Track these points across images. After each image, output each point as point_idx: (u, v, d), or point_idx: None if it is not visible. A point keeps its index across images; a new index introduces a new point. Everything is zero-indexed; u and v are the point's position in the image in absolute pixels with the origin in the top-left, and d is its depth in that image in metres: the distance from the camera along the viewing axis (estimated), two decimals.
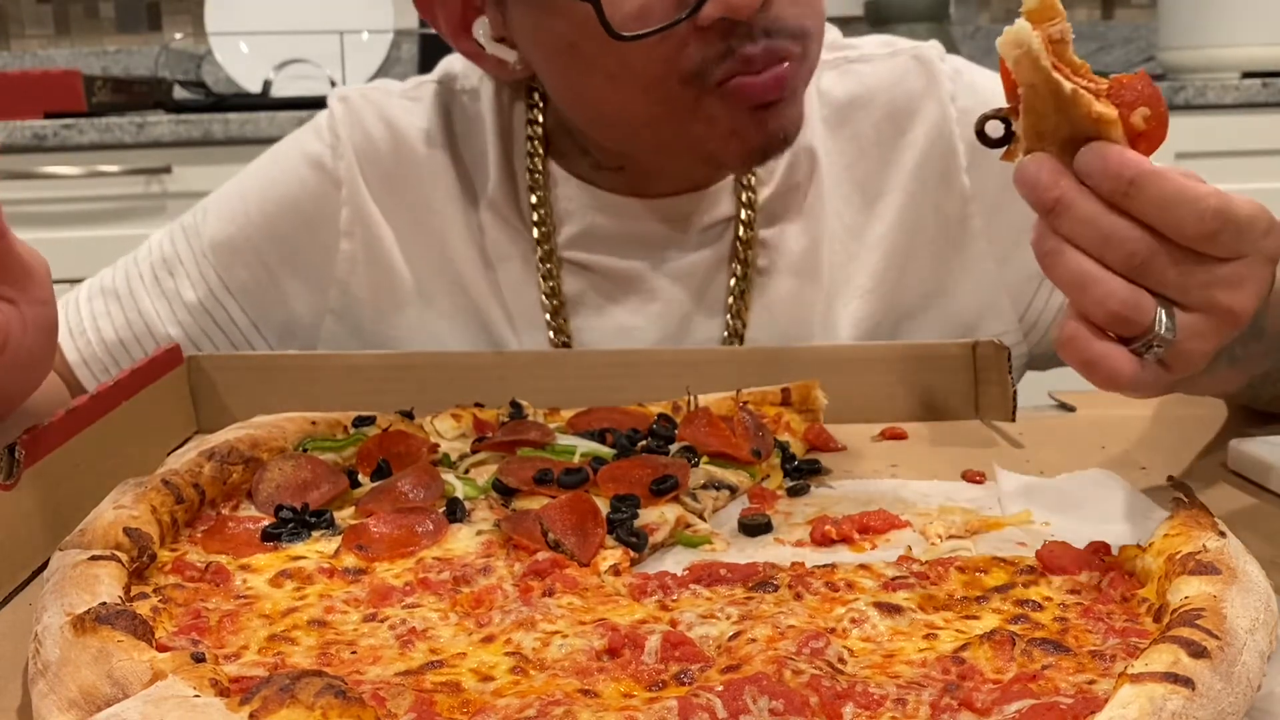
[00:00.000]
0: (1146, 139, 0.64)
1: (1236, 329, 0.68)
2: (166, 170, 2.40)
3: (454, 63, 1.16)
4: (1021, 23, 0.62)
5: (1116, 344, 0.66)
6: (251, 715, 0.47)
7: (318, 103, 1.17)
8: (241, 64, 2.85)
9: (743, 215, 1.10)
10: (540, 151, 1.10)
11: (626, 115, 0.99)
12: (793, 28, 0.94)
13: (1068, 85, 0.62)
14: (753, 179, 1.10)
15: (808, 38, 0.96)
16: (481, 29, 1.03)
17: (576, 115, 1.06)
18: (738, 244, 1.10)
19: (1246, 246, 0.65)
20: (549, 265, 1.10)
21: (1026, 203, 0.65)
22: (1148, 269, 0.64)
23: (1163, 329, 0.65)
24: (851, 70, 1.15)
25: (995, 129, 0.67)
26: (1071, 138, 0.63)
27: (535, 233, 1.10)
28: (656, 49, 0.91)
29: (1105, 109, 0.63)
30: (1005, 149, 0.67)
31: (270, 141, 1.20)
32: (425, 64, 2.73)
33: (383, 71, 2.91)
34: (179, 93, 2.88)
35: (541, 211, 1.10)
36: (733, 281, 1.11)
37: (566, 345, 1.10)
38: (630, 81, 0.94)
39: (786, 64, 0.94)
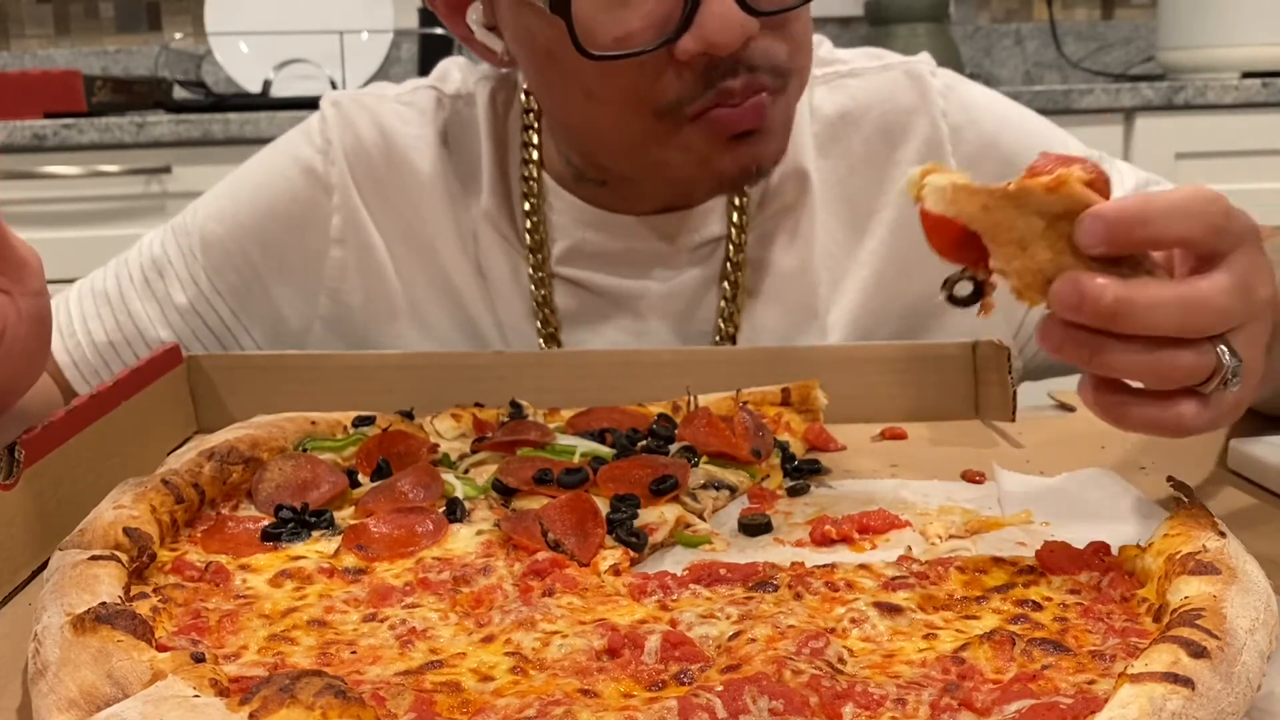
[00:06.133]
0: (1097, 189, 0.63)
1: (1276, 315, 0.67)
2: (166, 170, 2.40)
3: (450, 67, 1.16)
4: (924, 169, 0.63)
5: (1175, 398, 0.64)
6: (251, 715, 0.47)
7: (317, 103, 1.17)
8: (241, 64, 2.85)
9: (733, 235, 1.10)
10: (535, 159, 1.10)
11: (599, 132, 0.99)
12: (775, 64, 0.94)
13: (1010, 185, 0.62)
14: (745, 199, 1.10)
15: (789, 75, 0.95)
16: (475, 14, 1.02)
17: (553, 121, 1.06)
18: (727, 264, 1.10)
19: (1243, 231, 0.65)
20: (541, 276, 1.10)
21: (1077, 320, 0.62)
22: (1221, 316, 0.63)
23: (1228, 360, 0.64)
24: (842, 85, 1.14)
25: (964, 287, 0.66)
26: (1051, 228, 0.62)
27: (528, 240, 1.10)
28: (633, 75, 0.91)
29: (1052, 179, 0.62)
30: (980, 303, 0.66)
31: (270, 142, 1.19)
32: (425, 64, 2.73)
33: (382, 71, 2.91)
34: (179, 93, 2.88)
35: (534, 220, 1.10)
36: (722, 302, 1.10)
37: None
38: (606, 101, 0.94)
39: (765, 95, 0.93)
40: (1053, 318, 0.63)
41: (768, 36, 0.92)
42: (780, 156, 1.00)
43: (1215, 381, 0.64)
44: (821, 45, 1.18)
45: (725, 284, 1.10)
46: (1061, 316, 0.62)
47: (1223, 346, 0.64)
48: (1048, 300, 0.62)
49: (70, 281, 1.19)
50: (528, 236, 1.10)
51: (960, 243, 0.64)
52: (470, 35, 1.04)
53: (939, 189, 0.63)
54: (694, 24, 0.88)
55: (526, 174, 1.10)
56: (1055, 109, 2.42)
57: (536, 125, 1.10)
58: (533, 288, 1.10)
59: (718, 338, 1.11)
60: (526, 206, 1.09)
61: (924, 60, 1.16)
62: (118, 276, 1.15)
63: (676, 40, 0.89)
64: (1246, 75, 2.55)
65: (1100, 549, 0.65)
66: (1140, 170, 1.20)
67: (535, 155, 1.10)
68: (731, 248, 1.10)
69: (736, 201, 1.10)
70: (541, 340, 1.11)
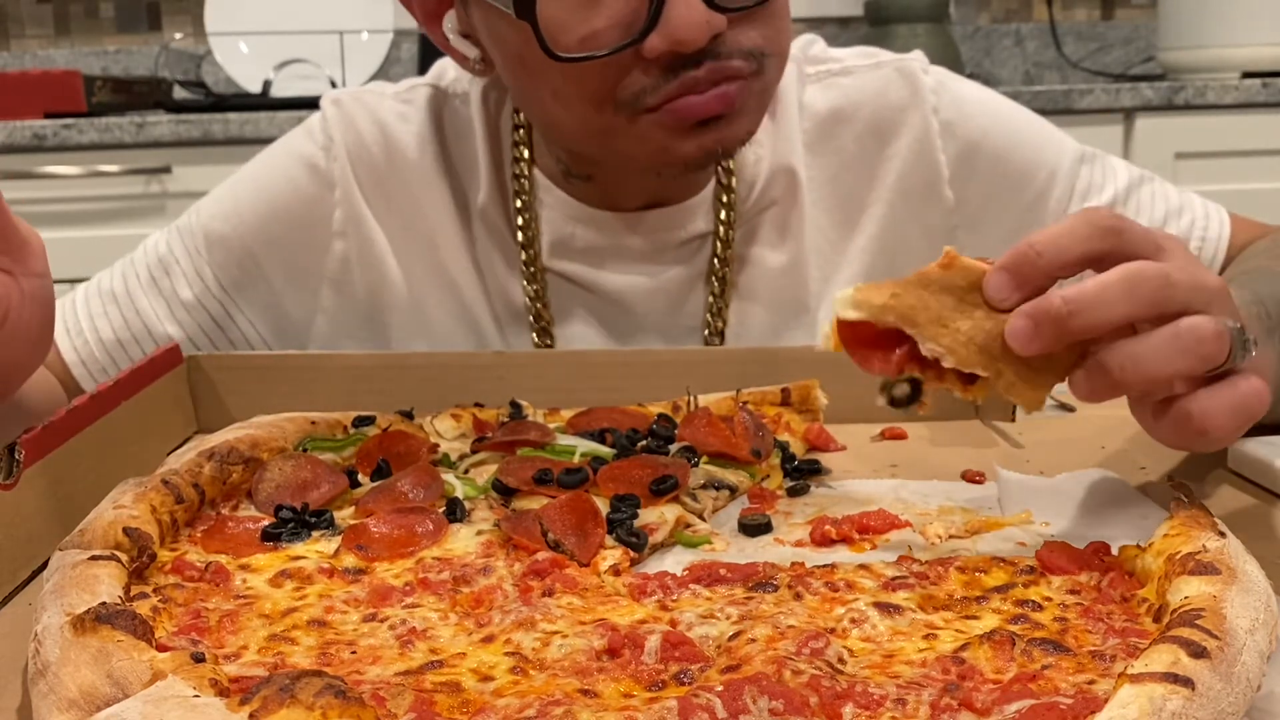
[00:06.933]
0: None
1: (1229, 296, 0.69)
2: (166, 170, 2.40)
3: (446, 65, 1.17)
4: (838, 295, 0.65)
5: (1224, 383, 0.66)
6: (251, 715, 0.47)
7: (317, 103, 1.18)
8: (241, 64, 2.85)
9: (720, 232, 1.10)
10: (525, 157, 1.11)
11: (565, 129, 1.00)
12: (747, 50, 0.94)
13: (909, 276, 0.65)
14: (732, 196, 1.10)
15: (764, 57, 0.95)
16: (450, 22, 1.04)
17: (530, 118, 1.07)
18: (715, 260, 1.11)
19: (1154, 232, 0.67)
20: (533, 271, 1.11)
21: (1045, 348, 0.63)
22: (1171, 284, 0.64)
23: (1234, 324, 0.65)
24: (834, 83, 1.15)
25: (902, 389, 0.68)
26: (962, 301, 0.65)
27: (520, 237, 1.11)
28: (600, 73, 0.92)
29: (943, 257, 0.65)
30: (919, 403, 0.68)
31: (270, 142, 1.20)
32: (425, 64, 2.71)
33: (382, 71, 2.91)
34: (179, 93, 2.88)
35: (526, 217, 1.11)
36: (710, 298, 1.11)
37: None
38: (570, 100, 0.95)
39: (736, 83, 0.93)
40: (1075, 372, 0.64)
41: (737, 28, 0.93)
42: (749, 135, 1.00)
43: (1234, 352, 0.64)
44: (815, 44, 1.18)
45: (713, 280, 1.11)
46: (1027, 352, 0.64)
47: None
48: (1009, 338, 0.63)
49: (71, 282, 1.20)
50: (520, 233, 1.11)
51: (884, 345, 0.66)
52: (447, 42, 1.05)
53: (845, 297, 0.65)
54: (660, 22, 0.89)
55: (517, 171, 1.11)
56: (1055, 109, 2.42)
57: (526, 124, 1.11)
58: (525, 283, 1.11)
59: (706, 332, 1.12)
60: (519, 204, 1.10)
61: (916, 58, 1.16)
62: (124, 276, 1.17)
63: (643, 40, 0.89)
64: (1246, 75, 2.55)
65: (1100, 549, 0.65)
66: (1134, 167, 1.20)
67: (526, 153, 1.11)
68: (719, 244, 1.11)
69: (724, 199, 1.10)
70: (534, 334, 1.12)
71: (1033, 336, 0.63)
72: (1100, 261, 0.65)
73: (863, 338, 0.66)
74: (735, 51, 0.93)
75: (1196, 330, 0.63)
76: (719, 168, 1.10)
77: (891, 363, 0.66)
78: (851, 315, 0.65)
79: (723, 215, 1.10)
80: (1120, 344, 0.64)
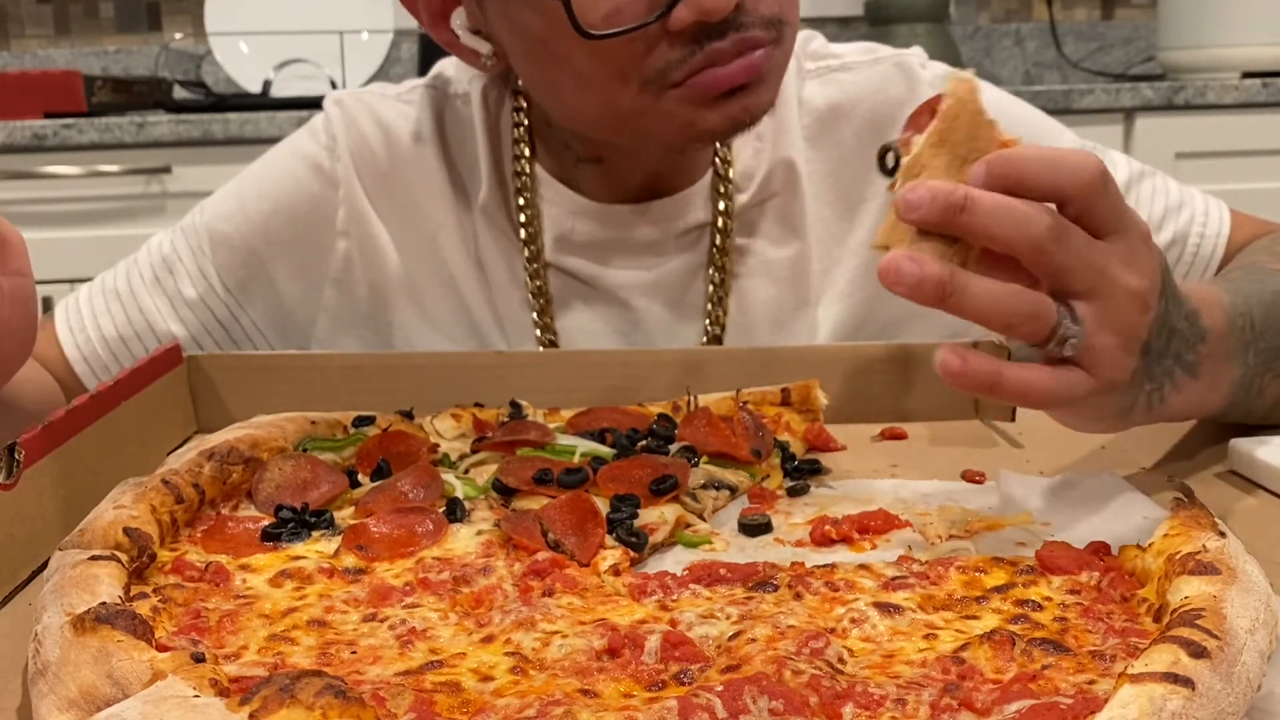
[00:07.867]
0: None
1: (1143, 313, 0.68)
2: (166, 170, 2.40)
3: (447, 66, 1.17)
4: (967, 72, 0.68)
5: (1028, 363, 0.68)
6: (251, 715, 0.47)
7: (317, 103, 1.18)
8: (241, 64, 2.85)
9: (719, 223, 1.11)
10: (526, 154, 1.11)
11: (590, 113, 0.99)
12: (767, 17, 0.94)
13: (990, 116, 0.67)
14: (730, 187, 1.11)
15: (783, 24, 0.96)
16: (459, 19, 1.04)
17: (547, 107, 1.07)
18: (715, 251, 1.11)
19: (1125, 219, 0.67)
20: (535, 267, 1.11)
21: (924, 221, 0.65)
22: (1061, 244, 0.65)
23: (1066, 321, 0.66)
24: (834, 79, 1.15)
25: (894, 157, 0.69)
26: (965, 157, 0.66)
27: (523, 233, 1.11)
28: (626, 50, 0.92)
29: (1012, 138, 0.67)
30: (890, 177, 0.69)
31: (270, 141, 1.21)
32: (425, 64, 2.73)
33: (382, 71, 2.91)
34: (179, 93, 2.88)
35: (528, 214, 1.11)
36: (710, 288, 1.11)
37: (553, 347, 1.11)
38: (594, 81, 0.95)
39: (759, 52, 0.94)
40: (901, 255, 0.64)
41: None
42: (771, 104, 1.00)
43: (1053, 340, 0.66)
44: (814, 39, 1.19)
45: (712, 270, 1.11)
46: (905, 218, 0.65)
47: (1065, 309, 0.66)
48: (900, 198, 0.65)
49: (71, 282, 1.20)
50: (522, 230, 1.11)
51: (924, 115, 0.68)
52: (455, 40, 1.05)
53: (968, 76, 0.67)
54: None
55: (518, 169, 1.11)
56: (1055, 109, 2.42)
57: (526, 121, 1.11)
58: (527, 278, 1.12)
59: (707, 322, 1.12)
60: (520, 201, 1.11)
61: (915, 53, 1.17)
62: (128, 275, 1.17)
63: (669, 12, 0.89)
64: (1246, 75, 2.55)
65: (1100, 549, 0.65)
66: (1135, 161, 1.20)
67: (526, 150, 1.11)
68: (718, 235, 1.11)
69: (721, 189, 1.11)
70: (537, 330, 1.12)
71: (917, 207, 0.64)
72: (1063, 206, 0.66)
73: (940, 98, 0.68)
74: (756, 20, 0.93)
75: (1026, 304, 0.65)
76: (715, 158, 1.11)
77: (911, 123, 0.68)
78: (956, 80, 0.67)
79: (720, 206, 1.11)
80: (969, 275, 0.64)
